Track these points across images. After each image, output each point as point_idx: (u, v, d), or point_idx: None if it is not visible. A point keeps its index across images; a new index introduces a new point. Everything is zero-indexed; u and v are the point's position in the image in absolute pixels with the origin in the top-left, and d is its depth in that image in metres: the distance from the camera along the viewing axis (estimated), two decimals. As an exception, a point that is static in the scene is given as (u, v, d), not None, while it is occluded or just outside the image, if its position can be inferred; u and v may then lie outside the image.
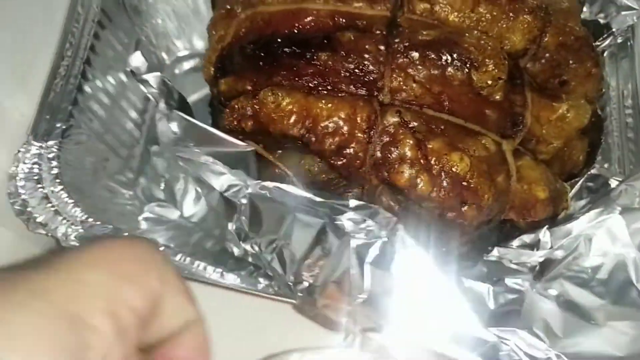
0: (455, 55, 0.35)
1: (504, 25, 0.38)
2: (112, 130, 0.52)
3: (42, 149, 0.44)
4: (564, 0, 0.43)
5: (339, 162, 0.34)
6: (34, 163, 0.44)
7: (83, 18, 0.49)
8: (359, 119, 0.34)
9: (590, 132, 0.44)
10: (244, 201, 0.36)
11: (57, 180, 0.44)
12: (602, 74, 0.43)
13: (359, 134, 0.34)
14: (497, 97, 0.37)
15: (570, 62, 0.41)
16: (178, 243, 0.48)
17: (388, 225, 0.33)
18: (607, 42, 0.48)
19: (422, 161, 0.34)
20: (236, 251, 0.41)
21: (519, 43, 0.39)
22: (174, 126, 0.35)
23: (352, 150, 0.34)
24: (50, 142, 0.44)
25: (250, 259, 0.41)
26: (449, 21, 0.37)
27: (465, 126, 0.36)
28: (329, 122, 0.34)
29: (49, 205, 0.43)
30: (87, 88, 0.48)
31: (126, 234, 0.44)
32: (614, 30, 0.47)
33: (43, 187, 0.43)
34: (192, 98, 0.57)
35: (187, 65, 0.60)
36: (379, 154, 0.34)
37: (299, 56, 0.35)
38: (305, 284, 0.35)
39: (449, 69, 0.35)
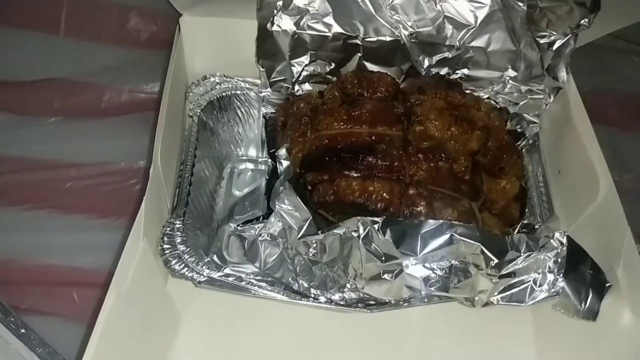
0: (443, 156, 0.62)
1: (466, 137, 0.66)
2: (198, 209, 0.74)
3: (173, 224, 0.66)
4: (496, 120, 0.72)
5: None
6: (168, 234, 0.66)
7: (187, 139, 0.74)
8: (394, 192, 0.59)
9: (520, 199, 0.71)
10: (314, 243, 0.59)
11: (182, 245, 0.66)
12: (524, 162, 0.71)
13: (395, 200, 0.59)
14: (467, 177, 0.63)
15: (504, 156, 0.68)
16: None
17: None
18: (524, 143, 0.77)
19: (430, 214, 0.59)
20: (302, 285, 0.63)
21: (475, 146, 0.66)
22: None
23: (392, 209, 0.59)
24: (178, 219, 0.67)
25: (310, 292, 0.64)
26: (435, 136, 0.65)
27: (451, 194, 0.62)
28: (378, 195, 0.59)
29: (180, 261, 0.64)
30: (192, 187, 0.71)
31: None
32: (527, 136, 0.76)
33: (176, 249, 0.65)
34: (245, 190, 0.81)
35: (241, 166, 0.84)
36: (406, 210, 0.60)
37: (355, 159, 0.61)
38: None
39: (440, 163, 0.62)
